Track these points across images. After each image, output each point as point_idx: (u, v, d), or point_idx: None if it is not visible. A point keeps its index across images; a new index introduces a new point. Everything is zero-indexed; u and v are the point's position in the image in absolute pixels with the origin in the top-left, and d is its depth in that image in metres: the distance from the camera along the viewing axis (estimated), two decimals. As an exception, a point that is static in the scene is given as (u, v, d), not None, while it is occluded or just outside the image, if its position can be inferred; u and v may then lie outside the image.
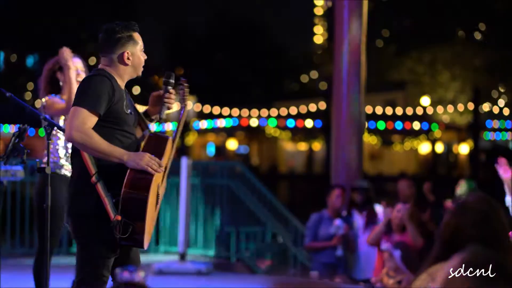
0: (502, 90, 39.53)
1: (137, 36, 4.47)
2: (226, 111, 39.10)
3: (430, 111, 39.05)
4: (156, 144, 4.42)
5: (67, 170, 5.73)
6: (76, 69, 5.83)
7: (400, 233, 8.24)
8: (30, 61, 37.00)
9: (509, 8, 33.97)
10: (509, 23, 34.39)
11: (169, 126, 27.86)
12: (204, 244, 10.99)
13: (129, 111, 4.42)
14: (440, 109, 38.61)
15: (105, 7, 34.83)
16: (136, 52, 4.45)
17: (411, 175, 30.80)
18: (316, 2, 55.69)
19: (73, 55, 5.88)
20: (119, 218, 4.15)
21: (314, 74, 48.13)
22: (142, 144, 4.45)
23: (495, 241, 2.80)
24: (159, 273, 8.80)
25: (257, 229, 11.17)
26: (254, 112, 39.64)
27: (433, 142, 41.27)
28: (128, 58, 4.41)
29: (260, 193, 11.31)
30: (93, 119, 4.22)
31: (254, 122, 39.67)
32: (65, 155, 5.78)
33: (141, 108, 4.73)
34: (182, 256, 9.82)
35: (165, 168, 4.52)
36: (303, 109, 39.75)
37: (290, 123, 39.49)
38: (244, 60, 47.56)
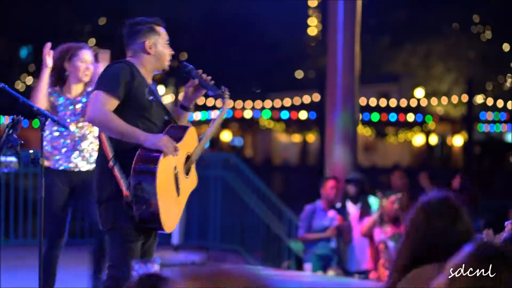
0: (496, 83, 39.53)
1: (159, 28, 4.54)
2: (220, 102, 38.99)
3: (424, 103, 39.03)
4: (175, 131, 4.50)
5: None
6: (84, 61, 5.74)
7: (392, 224, 8.26)
8: (23, 52, 36.87)
9: (504, 0, 33.95)
10: (504, 15, 34.39)
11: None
12: (199, 236, 10.98)
13: (151, 97, 4.47)
14: (434, 101, 38.59)
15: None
16: (158, 43, 4.50)
17: (405, 167, 30.82)
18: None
19: (84, 45, 5.82)
20: (127, 194, 4.20)
21: (308, 66, 47.98)
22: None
23: (469, 235, 2.79)
24: (153, 265, 8.79)
25: (251, 220, 11.17)
26: (248, 103, 39.57)
27: (427, 134, 41.23)
28: (150, 48, 4.47)
29: (254, 184, 11.31)
30: (111, 102, 4.31)
31: (248, 114, 39.61)
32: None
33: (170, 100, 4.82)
34: (177, 248, 9.83)
35: (188, 157, 4.56)
36: (297, 100, 39.69)
37: (284, 114, 39.42)
38: (238, 52, 47.43)
